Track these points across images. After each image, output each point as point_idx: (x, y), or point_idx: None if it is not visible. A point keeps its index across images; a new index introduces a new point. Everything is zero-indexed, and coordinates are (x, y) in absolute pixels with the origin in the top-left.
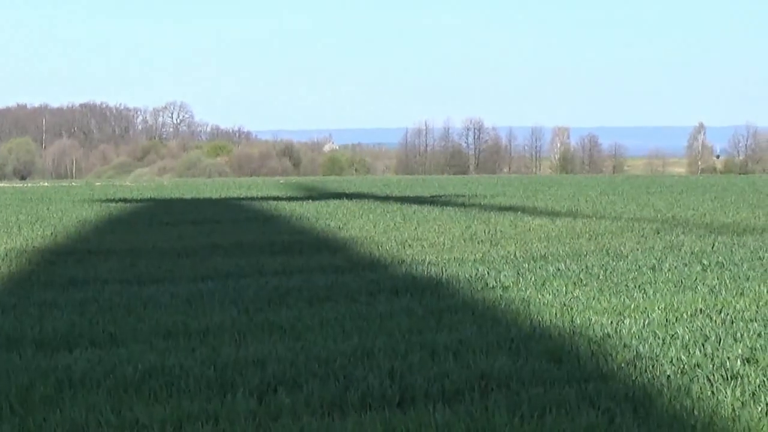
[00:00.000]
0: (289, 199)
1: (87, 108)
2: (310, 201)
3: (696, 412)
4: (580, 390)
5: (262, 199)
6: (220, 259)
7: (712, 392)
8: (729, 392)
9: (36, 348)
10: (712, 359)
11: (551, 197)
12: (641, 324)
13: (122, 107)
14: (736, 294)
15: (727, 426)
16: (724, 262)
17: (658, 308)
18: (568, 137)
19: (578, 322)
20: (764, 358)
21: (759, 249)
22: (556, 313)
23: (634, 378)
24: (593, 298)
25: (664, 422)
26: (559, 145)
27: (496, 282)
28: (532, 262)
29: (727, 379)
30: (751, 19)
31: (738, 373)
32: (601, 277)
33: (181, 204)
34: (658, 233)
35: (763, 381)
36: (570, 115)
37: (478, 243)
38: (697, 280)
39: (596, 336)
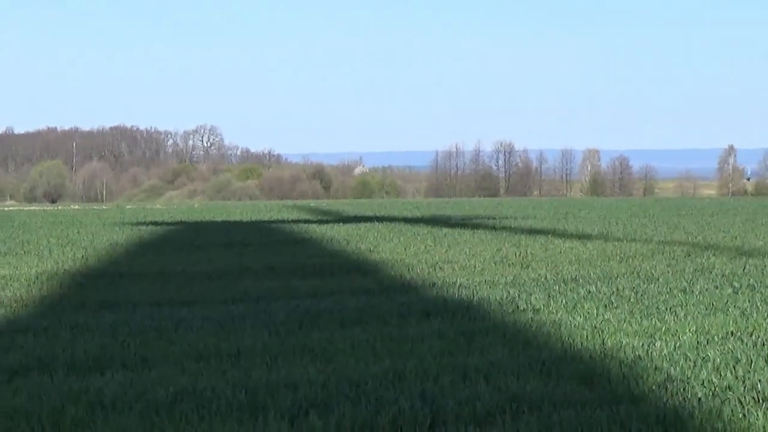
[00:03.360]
0: (320, 222)
1: (117, 131)
2: (341, 224)
3: None
4: (612, 412)
5: (293, 222)
6: (251, 281)
7: (744, 415)
8: (760, 415)
9: (67, 370)
10: (743, 382)
11: (582, 220)
12: (672, 346)
13: (153, 130)
14: (767, 316)
15: None
16: (755, 285)
17: (689, 331)
18: (599, 160)
19: (609, 344)
20: None
21: None
22: (587, 336)
23: (665, 400)
24: (624, 321)
25: None
26: (589, 167)
27: (527, 304)
28: (563, 284)
29: (759, 401)
30: None
31: None
32: (632, 299)
33: (211, 227)
34: (689, 256)
35: None
36: (600, 138)
37: (509, 266)
38: (728, 303)
39: (627, 358)
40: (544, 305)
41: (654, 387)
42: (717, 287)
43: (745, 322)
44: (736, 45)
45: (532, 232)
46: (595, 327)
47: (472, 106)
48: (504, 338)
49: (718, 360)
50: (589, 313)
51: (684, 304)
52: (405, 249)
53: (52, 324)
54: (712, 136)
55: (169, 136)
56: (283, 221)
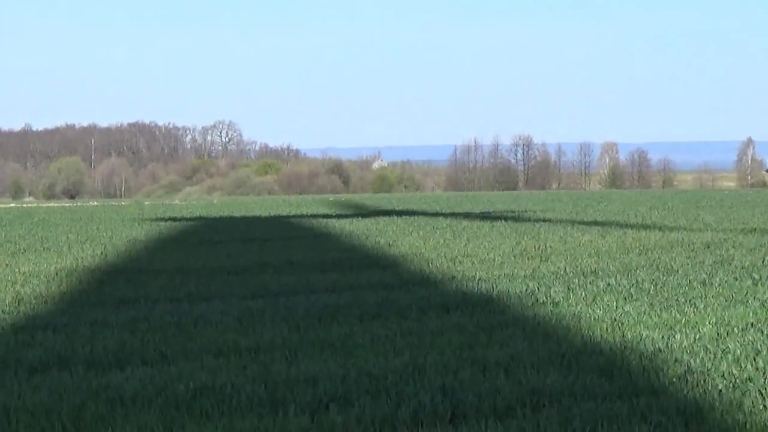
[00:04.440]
0: (339, 216)
1: (136, 127)
2: (360, 218)
3: (748, 427)
4: (632, 405)
5: (312, 216)
6: (270, 276)
7: (764, 406)
8: None
9: (87, 367)
10: (764, 373)
11: (601, 212)
12: (692, 338)
13: (171, 126)
14: None
15: None
16: None
17: (709, 323)
18: (617, 152)
19: (629, 337)
20: None
21: None
22: (606, 329)
23: (685, 392)
24: (644, 313)
25: None
26: (608, 160)
27: (546, 297)
28: (582, 277)
29: None
30: None
31: None
32: (651, 291)
33: (230, 222)
34: (708, 248)
35: None
36: (618, 131)
37: (528, 259)
38: (748, 295)
39: (647, 351)
40: (563, 298)
41: (674, 379)
42: (737, 279)
43: (765, 313)
44: (756, 37)
45: (551, 225)
46: (615, 320)
47: (490, 100)
48: (523, 331)
49: (739, 352)
50: (608, 305)
51: (703, 296)
52: (424, 243)
53: (71, 320)
54: (731, 129)
55: (187, 131)
56: (301, 216)
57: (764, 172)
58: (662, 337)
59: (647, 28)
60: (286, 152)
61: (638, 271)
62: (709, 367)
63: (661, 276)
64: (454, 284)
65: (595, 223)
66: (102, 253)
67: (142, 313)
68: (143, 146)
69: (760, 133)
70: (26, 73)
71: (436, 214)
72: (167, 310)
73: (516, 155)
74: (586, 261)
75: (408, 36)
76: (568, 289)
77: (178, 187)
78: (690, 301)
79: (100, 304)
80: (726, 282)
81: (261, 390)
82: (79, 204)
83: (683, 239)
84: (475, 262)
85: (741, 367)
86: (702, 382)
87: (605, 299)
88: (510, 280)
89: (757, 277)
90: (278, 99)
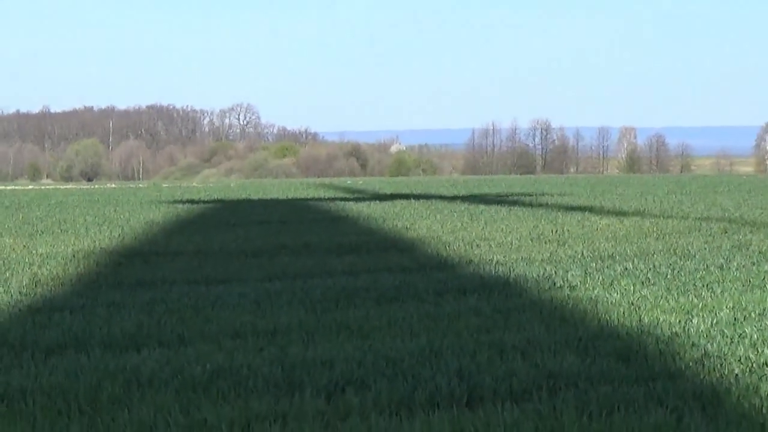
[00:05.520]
0: (356, 199)
1: (154, 110)
2: (377, 202)
3: (765, 411)
4: (648, 389)
5: (329, 199)
6: (288, 259)
7: None
8: None
9: (104, 348)
10: None
11: (618, 197)
12: (709, 323)
13: (189, 109)
14: None
15: None
16: None
17: (726, 307)
18: (635, 137)
19: (646, 321)
20: None
21: None
22: (623, 313)
23: (702, 377)
24: (661, 297)
25: (732, 421)
26: (626, 145)
27: (563, 281)
28: (599, 261)
29: None
30: None
31: None
32: (668, 276)
33: (248, 205)
34: (726, 232)
35: None
36: (637, 115)
37: (546, 243)
38: (766, 279)
39: (664, 335)
40: (580, 282)
41: (691, 363)
42: (754, 264)
43: None
44: None
45: (569, 209)
46: (632, 304)
47: (508, 84)
48: (540, 315)
49: (755, 336)
50: (625, 289)
51: (721, 280)
52: (441, 226)
53: (88, 302)
54: (749, 114)
55: (205, 114)
56: (319, 199)
57: None
58: (679, 321)
59: (666, 12)
60: (304, 135)
61: (656, 255)
62: (725, 352)
63: (678, 260)
64: (471, 268)
65: (613, 207)
66: (119, 235)
67: (160, 295)
68: (161, 129)
69: None
70: (45, 55)
71: (453, 198)
72: (184, 292)
73: (534, 139)
74: (604, 245)
75: (426, 18)
76: (586, 273)
77: (195, 170)
78: (707, 285)
79: (118, 286)
80: (743, 267)
81: (278, 372)
82: (96, 186)
83: (701, 224)
84: (493, 245)
85: (758, 351)
86: (719, 366)
87: (622, 283)
88: (527, 264)
89: None
90: (296, 82)
